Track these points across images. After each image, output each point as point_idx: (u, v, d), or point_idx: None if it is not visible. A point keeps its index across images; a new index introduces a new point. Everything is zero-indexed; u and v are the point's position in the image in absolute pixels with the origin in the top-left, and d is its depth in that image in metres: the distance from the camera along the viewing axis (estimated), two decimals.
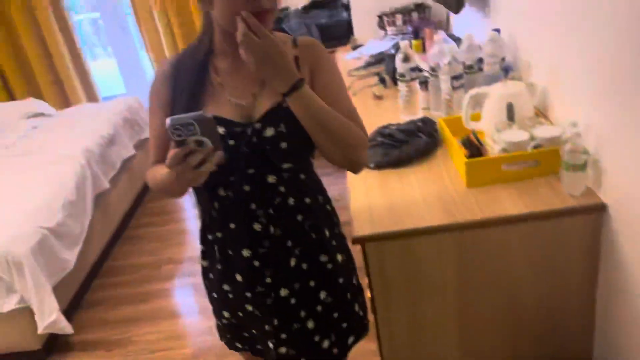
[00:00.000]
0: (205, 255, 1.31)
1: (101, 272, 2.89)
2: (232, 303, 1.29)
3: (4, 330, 2.23)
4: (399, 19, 2.87)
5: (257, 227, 1.18)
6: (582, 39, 1.31)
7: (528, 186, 1.38)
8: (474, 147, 1.46)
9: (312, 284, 1.25)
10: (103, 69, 6.03)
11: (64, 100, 4.15)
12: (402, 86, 1.85)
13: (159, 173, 1.13)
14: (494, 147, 1.48)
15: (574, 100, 1.41)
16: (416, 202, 1.40)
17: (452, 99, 1.76)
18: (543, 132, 1.43)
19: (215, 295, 1.33)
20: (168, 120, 0.95)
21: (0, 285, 2.16)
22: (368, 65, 2.60)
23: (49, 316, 2.16)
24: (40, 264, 2.16)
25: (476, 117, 1.62)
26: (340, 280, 1.28)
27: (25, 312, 2.20)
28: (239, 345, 1.39)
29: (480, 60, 1.80)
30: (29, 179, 2.61)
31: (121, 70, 4.36)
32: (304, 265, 1.23)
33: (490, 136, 1.53)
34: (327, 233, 1.26)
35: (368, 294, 1.43)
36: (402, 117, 1.90)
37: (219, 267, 1.26)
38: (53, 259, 2.27)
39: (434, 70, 1.84)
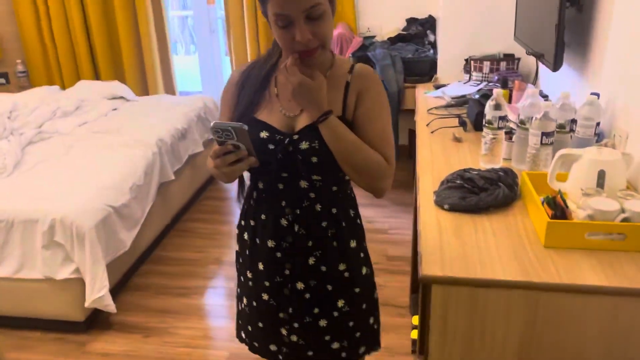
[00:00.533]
0: (238, 239, 1.48)
1: (150, 258, 2.95)
2: (251, 290, 1.42)
3: (54, 297, 2.30)
4: (486, 66, 2.85)
5: (283, 222, 1.34)
6: None
7: (611, 259, 1.33)
8: (558, 208, 1.42)
9: (329, 287, 1.37)
10: (183, 65, 6.26)
11: (144, 88, 4.32)
12: (487, 133, 1.83)
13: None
14: (578, 212, 1.43)
15: None
16: (490, 253, 1.37)
17: (539, 155, 1.72)
18: (634, 205, 1.38)
19: (241, 279, 1.48)
20: (212, 124, 1.13)
21: (60, 252, 2.24)
22: (449, 106, 2.58)
23: (99, 292, 2.22)
24: (101, 240, 2.23)
25: (561, 178, 1.58)
26: (357, 290, 1.39)
27: (77, 284, 2.27)
28: (243, 337, 1.52)
29: (573, 122, 1.76)
30: (104, 157, 2.72)
31: (201, 70, 4.51)
32: (323, 268, 1.36)
33: (576, 200, 1.49)
34: (352, 244, 1.38)
35: (415, 333, 1.39)
36: (482, 164, 1.87)
37: (247, 252, 1.41)
38: (113, 237, 2.34)
39: (522, 122, 1.81)
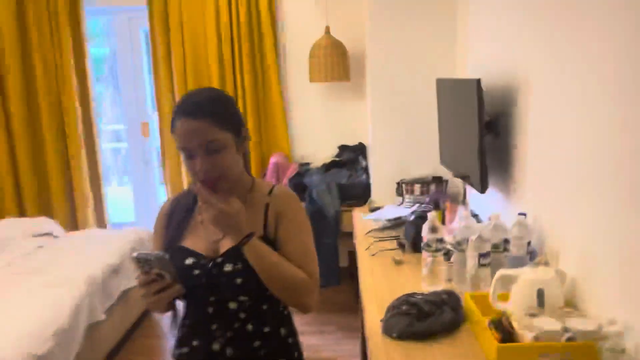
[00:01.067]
0: None
1: None
2: None
3: None
4: (417, 188, 2.98)
5: (215, 346, 1.36)
6: (615, 229, 1.34)
7: None
8: (505, 331, 1.42)
9: None
10: (116, 196, 6.14)
11: (73, 222, 4.15)
12: (427, 255, 1.86)
13: None
14: (524, 333, 1.44)
15: (608, 295, 1.40)
16: None
17: (478, 275, 1.75)
18: (577, 324, 1.40)
19: None
20: (134, 254, 1.19)
21: None
22: (386, 228, 2.64)
23: None
24: None
25: (502, 297, 1.60)
26: None
27: None
28: None
29: (506, 241, 1.83)
30: (25, 300, 2.51)
31: (135, 200, 4.43)
32: None
33: (520, 320, 1.50)
34: None
35: None
36: (425, 286, 1.88)
37: None
38: None
39: (459, 244, 1.86)
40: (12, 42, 3.86)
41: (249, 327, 1.36)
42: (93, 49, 4.24)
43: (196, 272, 1.32)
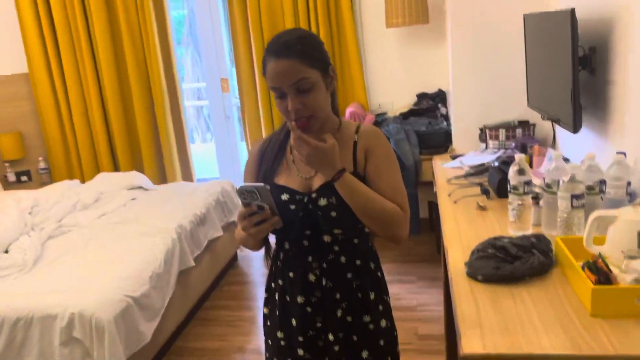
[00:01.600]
0: (267, 302, 1.55)
1: (171, 350, 2.84)
2: (283, 350, 1.48)
3: None
4: (502, 133, 2.84)
5: (311, 277, 1.42)
6: None
7: None
8: (601, 273, 1.33)
9: (355, 338, 1.44)
10: (200, 153, 6.39)
11: (162, 177, 4.38)
12: (513, 199, 1.78)
13: (241, 232, 1.39)
14: (623, 276, 1.35)
15: None
16: (534, 324, 1.28)
17: (571, 219, 1.65)
18: None
19: (269, 342, 1.53)
20: (237, 187, 1.24)
21: (78, 349, 2.16)
22: (468, 175, 2.55)
23: None
24: (120, 333, 2.16)
25: (597, 241, 1.50)
26: (381, 342, 1.46)
27: None
28: None
29: (602, 183, 1.71)
30: (122, 247, 2.69)
31: (218, 156, 4.58)
32: (349, 318, 1.43)
33: (617, 264, 1.41)
34: (372, 296, 1.45)
35: None
36: (512, 231, 1.81)
37: (277, 312, 1.47)
38: (133, 329, 2.26)
39: (549, 186, 1.76)
40: (99, 9, 4.03)
41: (342, 259, 1.42)
42: (172, 12, 4.35)
43: (292, 207, 1.37)
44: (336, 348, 1.43)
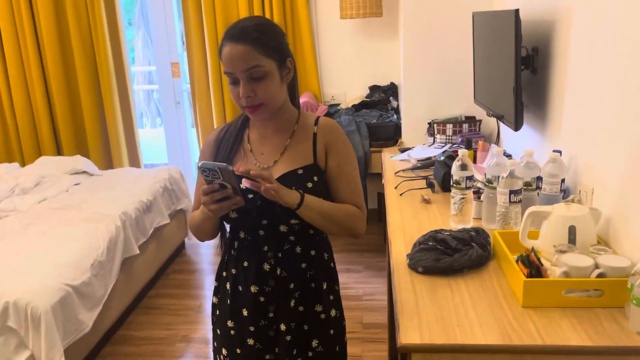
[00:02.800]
0: (217, 291, 1.54)
1: (113, 339, 2.78)
2: (232, 340, 1.48)
3: None
4: (449, 128, 2.91)
5: (266, 267, 1.42)
6: None
7: (590, 316, 1.30)
8: (533, 266, 1.40)
9: (306, 327, 1.45)
10: (149, 138, 6.24)
11: (108, 162, 4.25)
12: (455, 193, 1.83)
13: (197, 214, 1.42)
14: (553, 270, 1.42)
15: None
16: (468, 315, 1.32)
17: (509, 213, 1.72)
18: (608, 260, 1.37)
19: (218, 332, 1.52)
20: (200, 163, 1.23)
21: (12, 338, 2.08)
22: (415, 168, 2.60)
23: None
24: (58, 322, 2.09)
25: (532, 235, 1.57)
26: (331, 331, 1.49)
27: None
28: None
29: (539, 179, 1.78)
30: (63, 234, 2.60)
31: (167, 142, 4.49)
32: (301, 308, 1.44)
33: (549, 257, 1.47)
34: (324, 286, 1.47)
35: None
36: (453, 224, 1.86)
37: (228, 302, 1.46)
38: (71, 318, 2.19)
39: (489, 182, 1.82)
40: None
41: (298, 249, 1.43)
42: None
43: (250, 195, 1.35)
44: (288, 338, 1.44)
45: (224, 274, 1.50)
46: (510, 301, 1.38)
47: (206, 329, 2.87)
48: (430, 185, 2.29)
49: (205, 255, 3.85)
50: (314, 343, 1.46)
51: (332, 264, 1.53)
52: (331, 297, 1.50)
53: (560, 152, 1.77)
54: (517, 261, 1.45)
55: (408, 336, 1.27)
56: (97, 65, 4.04)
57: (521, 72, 2.03)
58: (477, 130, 2.94)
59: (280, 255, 1.42)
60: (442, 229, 1.69)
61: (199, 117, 4.11)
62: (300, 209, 1.30)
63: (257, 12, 3.80)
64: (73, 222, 2.72)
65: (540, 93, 2.15)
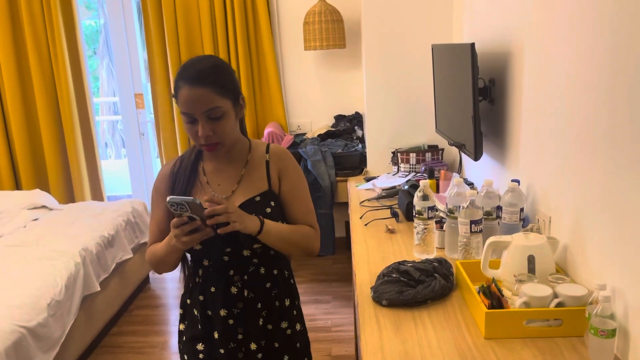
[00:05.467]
0: (183, 318, 1.58)
1: None
2: None
3: None
4: (412, 157, 2.95)
5: (233, 290, 1.48)
6: (606, 197, 1.31)
7: (551, 346, 1.31)
8: (494, 297, 1.41)
9: (276, 345, 1.53)
10: (114, 169, 6.13)
11: (69, 195, 4.15)
12: (418, 223, 1.84)
13: (159, 247, 1.44)
14: (514, 299, 1.43)
15: (598, 261, 1.38)
16: (432, 350, 1.32)
17: (470, 243, 1.73)
18: (567, 289, 1.39)
19: (186, 357, 1.55)
20: (168, 198, 1.26)
21: None
22: (380, 197, 2.62)
23: None
24: None
25: (494, 265, 1.59)
26: (298, 345, 1.57)
27: None
28: None
29: (499, 208, 1.81)
30: (18, 272, 2.51)
31: (131, 173, 4.41)
32: (269, 326, 1.52)
33: (510, 287, 1.49)
34: (287, 302, 1.55)
35: None
36: (416, 254, 1.87)
37: (199, 327, 1.51)
38: None
39: (451, 212, 1.84)
40: (2, 17, 3.79)
41: (262, 270, 1.50)
42: (87, 22, 4.16)
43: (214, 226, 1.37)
44: (259, 356, 1.51)
45: (188, 301, 1.54)
46: (473, 332, 1.39)
47: None
48: (394, 214, 2.31)
49: (171, 289, 3.77)
50: (285, 358, 1.54)
51: (292, 280, 1.60)
52: (294, 312, 1.58)
53: (518, 181, 1.81)
54: (478, 292, 1.46)
55: None
56: (58, 96, 3.97)
57: (479, 103, 2.08)
58: (440, 159, 2.98)
59: (246, 277, 1.47)
60: (405, 260, 1.69)
61: (164, 147, 4.06)
62: (261, 234, 1.37)
63: (221, 42, 3.81)
64: (29, 260, 2.63)
65: (498, 123, 2.21)
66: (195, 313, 1.51)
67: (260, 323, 1.50)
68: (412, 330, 1.41)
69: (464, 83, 2.14)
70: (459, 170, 2.89)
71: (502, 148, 2.17)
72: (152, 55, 3.92)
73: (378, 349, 1.33)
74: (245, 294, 1.47)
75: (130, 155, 4.39)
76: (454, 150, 2.99)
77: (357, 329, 1.52)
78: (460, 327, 1.42)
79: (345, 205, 3.39)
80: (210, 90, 1.33)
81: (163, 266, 1.48)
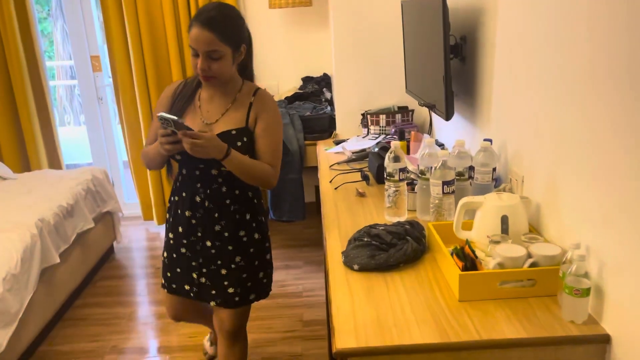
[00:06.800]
0: (168, 210, 1.93)
1: (34, 356, 2.57)
2: (172, 246, 1.90)
3: None
4: (382, 119, 2.89)
5: (197, 199, 1.81)
6: (579, 155, 1.28)
7: (524, 307, 1.29)
8: (468, 259, 1.37)
9: (230, 248, 1.83)
10: (73, 136, 5.89)
11: (24, 164, 3.95)
12: (389, 186, 1.79)
13: (151, 148, 1.78)
14: (487, 261, 1.40)
15: (573, 221, 1.35)
16: (405, 314, 1.28)
17: (442, 204, 1.69)
18: (540, 249, 1.36)
19: (166, 238, 1.94)
20: (159, 114, 1.57)
21: None
22: (350, 160, 2.56)
23: None
24: None
25: (466, 226, 1.55)
26: (252, 250, 1.85)
27: None
28: (163, 282, 1.98)
29: (471, 168, 1.77)
30: None
31: (90, 140, 4.22)
32: (226, 234, 1.82)
33: (484, 248, 1.46)
34: (247, 216, 1.84)
35: None
36: (388, 217, 1.82)
37: (171, 220, 1.90)
38: None
39: (422, 173, 1.79)
40: None
41: (224, 188, 1.80)
42: None
43: None
44: (212, 251, 1.84)
45: (172, 198, 1.90)
46: (447, 295, 1.36)
47: (138, 337, 2.72)
48: (365, 177, 2.25)
49: (137, 258, 3.67)
50: (237, 258, 1.84)
51: (255, 200, 1.87)
52: (254, 225, 1.86)
53: (490, 140, 1.77)
54: (452, 254, 1.42)
55: (343, 340, 1.21)
56: (7, 61, 3.72)
57: (450, 61, 2.02)
58: (410, 120, 2.93)
59: (208, 191, 1.79)
60: (376, 224, 1.65)
61: (124, 112, 3.89)
62: (225, 160, 1.65)
63: (181, 1, 3.62)
64: None
65: (469, 82, 2.15)
66: (172, 209, 1.89)
67: (217, 229, 1.81)
68: (384, 295, 1.37)
69: (435, 41, 2.06)
70: (430, 132, 2.84)
71: (474, 107, 2.13)
72: (107, 14, 3.70)
73: (350, 317, 1.29)
74: (206, 204, 1.80)
75: (89, 122, 4.19)
76: (425, 111, 2.94)
77: (328, 297, 1.48)
78: (433, 290, 1.39)
79: (314, 169, 3.32)
80: (215, 35, 1.60)
81: (152, 164, 1.81)
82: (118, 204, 3.54)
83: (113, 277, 3.36)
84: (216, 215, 1.80)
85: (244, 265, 1.84)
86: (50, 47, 7.05)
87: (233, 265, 1.84)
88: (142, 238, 3.98)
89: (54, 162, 4.02)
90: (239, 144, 1.71)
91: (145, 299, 3.10)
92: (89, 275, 3.25)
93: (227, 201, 1.80)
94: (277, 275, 3.17)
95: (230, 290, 1.85)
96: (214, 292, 1.86)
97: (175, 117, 1.55)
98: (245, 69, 1.82)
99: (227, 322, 1.90)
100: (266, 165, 1.73)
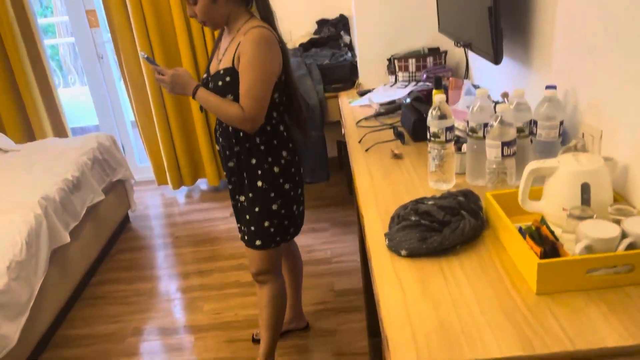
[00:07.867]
0: None
1: (52, 342, 2.43)
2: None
3: None
4: (412, 64, 2.56)
5: (217, 134, 1.95)
6: None
7: (621, 300, 1.03)
8: (547, 242, 1.11)
9: (238, 187, 1.94)
10: (78, 98, 5.64)
11: (28, 132, 3.72)
12: (433, 148, 1.51)
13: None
14: (566, 240, 1.14)
15: None
16: (473, 315, 1.04)
17: (502, 169, 1.42)
18: (636, 226, 1.09)
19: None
20: (140, 53, 2.17)
21: None
22: (379, 114, 2.27)
23: None
24: None
25: (533, 194, 1.29)
26: (250, 195, 1.89)
27: None
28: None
29: (533, 123, 1.48)
30: None
31: (94, 100, 3.96)
32: (236, 171, 1.91)
33: (557, 221, 1.19)
34: (253, 161, 1.86)
35: None
36: (432, 183, 1.56)
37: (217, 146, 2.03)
38: None
39: (474, 130, 1.51)
40: None
41: (230, 129, 1.85)
42: None
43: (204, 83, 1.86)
44: (229, 187, 1.99)
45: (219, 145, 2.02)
46: (520, 286, 1.11)
47: (161, 317, 2.55)
48: (399, 135, 1.97)
49: (155, 226, 3.48)
50: (241, 198, 1.93)
51: (263, 147, 1.84)
52: (259, 172, 1.86)
53: (554, 87, 1.46)
54: (522, 234, 1.16)
55: (400, 354, 0.98)
56: None
57: None
58: (444, 63, 2.60)
59: (220, 130, 1.90)
60: (424, 198, 1.38)
61: (126, 69, 3.60)
62: (194, 98, 1.78)
63: None
64: None
65: (522, 15, 1.82)
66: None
67: (231, 165, 1.90)
68: (443, 289, 1.13)
69: None
70: (466, 76, 2.52)
71: (526, 46, 1.80)
72: None
73: (405, 321, 1.05)
74: (221, 140, 1.91)
75: (91, 81, 3.92)
76: (459, 51, 2.60)
77: (374, 293, 1.24)
78: (502, 280, 1.14)
79: (336, 123, 3.04)
80: None
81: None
82: (129, 171, 3.32)
83: (131, 250, 3.18)
84: (227, 152, 1.89)
85: (246, 205, 1.91)
86: (49, 6, 6.69)
87: (239, 204, 1.96)
88: (158, 204, 3.79)
89: (59, 127, 3.80)
90: (220, 83, 1.75)
91: (166, 272, 2.93)
92: (105, 249, 3.08)
93: (233, 140, 1.85)
94: (303, 240, 2.96)
95: (239, 226, 2.01)
96: (238, 225, 2.04)
97: (145, 55, 1.78)
98: (266, 6, 1.81)
99: (248, 261, 1.99)
100: (234, 107, 1.73)
